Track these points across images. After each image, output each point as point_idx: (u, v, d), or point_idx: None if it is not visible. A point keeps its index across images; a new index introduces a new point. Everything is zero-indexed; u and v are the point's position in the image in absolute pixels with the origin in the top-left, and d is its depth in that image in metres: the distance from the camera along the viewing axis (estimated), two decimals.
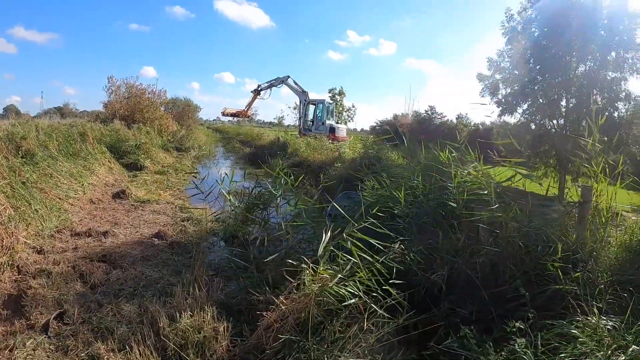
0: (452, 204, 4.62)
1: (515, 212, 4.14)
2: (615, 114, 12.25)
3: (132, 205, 9.35)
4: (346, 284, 3.57)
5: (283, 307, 3.52)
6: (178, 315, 3.78)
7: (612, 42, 11.69)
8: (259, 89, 26.37)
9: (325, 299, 3.49)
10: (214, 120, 76.61)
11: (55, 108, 25.84)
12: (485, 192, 4.40)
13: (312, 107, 25.28)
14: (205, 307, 3.93)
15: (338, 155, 15.25)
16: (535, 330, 3.02)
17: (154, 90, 23.18)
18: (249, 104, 27.50)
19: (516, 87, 13.59)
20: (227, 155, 26.59)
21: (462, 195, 4.48)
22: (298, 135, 23.64)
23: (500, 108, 14.11)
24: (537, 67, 12.87)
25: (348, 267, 3.68)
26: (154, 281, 5.10)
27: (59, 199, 8.20)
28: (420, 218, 4.83)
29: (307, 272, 3.59)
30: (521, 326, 3.02)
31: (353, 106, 42.20)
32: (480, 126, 45.62)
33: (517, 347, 2.85)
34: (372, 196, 5.85)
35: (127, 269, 5.37)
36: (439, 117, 47.06)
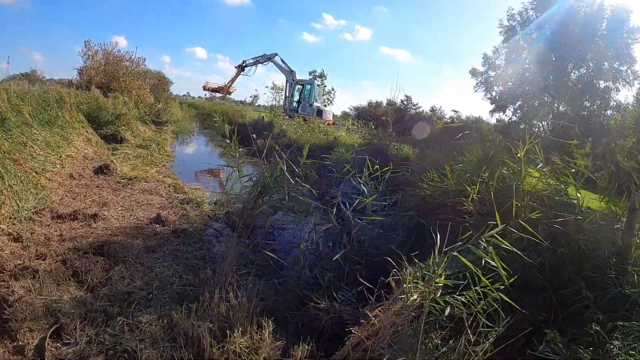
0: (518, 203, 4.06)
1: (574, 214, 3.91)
2: (604, 122, 12.41)
3: (118, 182, 8.19)
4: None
5: (376, 321, 2.77)
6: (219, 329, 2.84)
7: (608, 53, 11.83)
8: (244, 64, 24.90)
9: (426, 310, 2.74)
10: (184, 95, 74.35)
11: (22, 74, 23.52)
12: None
13: (298, 88, 24.05)
14: (256, 319, 3.02)
15: (334, 139, 14.29)
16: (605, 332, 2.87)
17: (133, 57, 21.39)
18: (232, 80, 26.00)
19: (510, 85, 13.67)
20: (205, 131, 25.16)
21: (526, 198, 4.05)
22: (283, 116, 22.45)
23: (494, 105, 14.24)
24: (531, 67, 12.98)
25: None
26: (168, 281, 4.14)
27: (35, 172, 6.96)
28: None
29: (410, 279, 2.76)
30: (597, 328, 2.89)
31: (333, 89, 41.08)
32: (455, 120, 46.02)
33: (614, 349, 2.73)
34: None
35: (131, 264, 4.36)
36: (414, 107, 47.19)
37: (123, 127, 13.21)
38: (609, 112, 12.71)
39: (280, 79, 60.88)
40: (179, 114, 26.52)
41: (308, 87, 23.52)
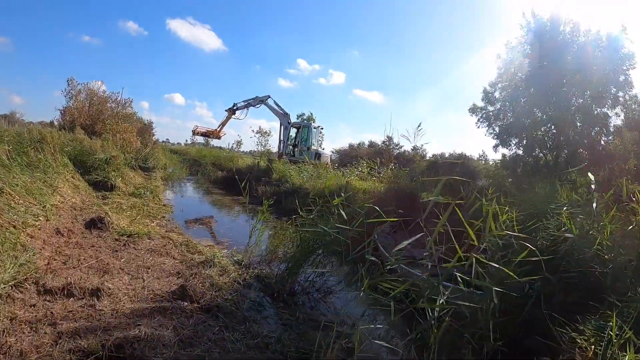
0: None
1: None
2: (606, 147, 12.24)
3: (116, 240, 6.61)
4: None
5: None
6: None
7: (605, 80, 11.63)
8: (235, 107, 23.81)
9: None
10: (163, 141, 73.34)
11: (1, 115, 21.92)
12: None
13: (293, 131, 22.99)
14: None
15: (346, 184, 13.00)
16: None
17: (119, 98, 20.01)
18: (223, 124, 24.76)
19: (511, 120, 13.21)
20: (195, 178, 23.60)
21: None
22: (283, 159, 21.20)
23: (497, 140, 13.76)
24: (524, 100, 12.67)
25: None
26: None
27: (14, 227, 5.41)
28: None
29: None
30: None
31: (322, 130, 40.28)
32: (440, 157, 45.94)
33: None
34: None
35: None
36: (396, 147, 47.06)
37: (113, 173, 11.66)
38: (610, 137, 12.25)
39: (267, 124, 60.54)
40: (165, 159, 25.02)
41: (305, 130, 22.43)
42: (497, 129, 13.91)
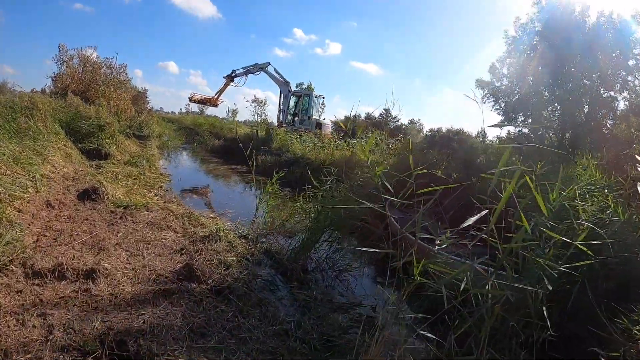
0: None
1: None
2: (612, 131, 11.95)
3: (112, 212, 6.11)
4: None
5: None
6: None
7: (614, 63, 11.17)
8: (233, 74, 22.88)
9: None
10: (157, 110, 72.18)
11: None
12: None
13: (294, 100, 22.20)
14: None
15: (351, 154, 12.47)
16: None
17: (113, 64, 19.07)
18: (220, 91, 23.86)
19: (517, 97, 12.80)
20: (191, 147, 22.95)
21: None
22: (284, 129, 20.55)
23: (503, 117, 13.38)
24: (536, 78, 12.21)
25: None
26: None
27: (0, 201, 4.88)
28: None
29: None
30: None
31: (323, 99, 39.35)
32: (437, 132, 45.42)
33: None
34: None
35: None
36: (393, 120, 46.35)
37: (108, 141, 11.04)
38: (616, 121, 11.91)
39: (262, 93, 59.30)
40: (159, 128, 24.28)
41: (306, 98, 21.57)
42: (503, 105, 13.59)
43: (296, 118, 21.87)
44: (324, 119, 23.08)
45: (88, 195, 6.54)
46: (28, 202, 5.56)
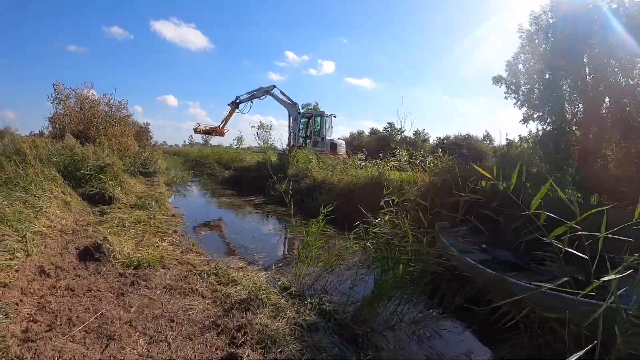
0: None
1: None
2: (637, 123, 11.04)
3: (120, 275, 5.01)
4: None
5: None
6: None
7: (629, 49, 10.32)
8: (238, 101, 22.06)
9: None
10: (161, 144, 72.53)
11: None
12: None
13: (303, 121, 21.26)
14: None
15: (378, 175, 11.36)
16: None
17: (111, 101, 18.26)
18: (226, 119, 22.99)
19: (537, 93, 12.00)
20: (200, 179, 21.97)
21: None
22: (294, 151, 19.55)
23: (524, 115, 12.62)
24: (549, 73, 11.43)
25: None
26: None
27: None
28: None
29: None
30: None
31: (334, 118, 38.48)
32: (444, 141, 44.52)
33: None
34: None
35: None
36: (398, 133, 45.64)
37: (111, 183, 10.00)
38: None
39: (263, 118, 58.77)
40: (165, 163, 23.43)
41: (317, 119, 20.58)
42: (525, 102, 12.78)
43: (308, 140, 20.89)
44: (338, 138, 22.10)
45: (90, 254, 5.46)
46: (16, 272, 4.48)
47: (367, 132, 50.44)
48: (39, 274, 4.75)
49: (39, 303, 4.07)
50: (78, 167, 9.71)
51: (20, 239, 5.28)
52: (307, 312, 4.35)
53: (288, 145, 22.13)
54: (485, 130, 53.52)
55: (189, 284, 4.85)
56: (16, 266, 4.61)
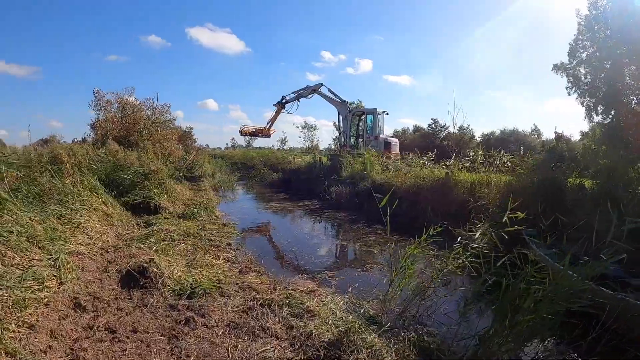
0: None
1: None
2: None
3: (171, 307, 4.09)
4: None
5: None
6: None
7: None
8: (284, 101, 21.21)
9: None
10: (203, 147, 73.76)
11: (41, 140, 20.73)
12: None
13: (355, 120, 20.10)
14: None
15: (446, 176, 10.05)
16: None
17: (154, 105, 17.81)
18: (272, 120, 22.22)
19: (598, 85, 10.64)
20: (246, 183, 21.26)
21: None
22: (346, 151, 18.43)
23: (586, 110, 11.22)
24: (610, 63, 9.98)
25: None
26: None
27: None
28: None
29: None
30: None
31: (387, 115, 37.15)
32: (491, 137, 42.20)
33: None
34: None
35: None
36: (442, 129, 43.92)
37: (156, 191, 9.26)
38: None
39: (301, 119, 58.15)
40: (211, 166, 22.97)
41: (370, 117, 19.32)
42: (587, 95, 11.47)
43: (360, 139, 19.69)
44: (391, 136, 20.77)
45: (135, 280, 4.56)
46: (46, 306, 3.65)
47: (410, 130, 48.98)
48: (74, 307, 3.91)
49: (71, 350, 3.18)
50: (119, 175, 9.01)
51: (53, 262, 4.48)
52: (407, 352, 3.29)
53: (339, 145, 21.05)
54: (533, 124, 50.68)
55: (257, 318, 3.85)
56: (46, 299, 3.80)
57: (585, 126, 12.52)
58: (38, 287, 3.91)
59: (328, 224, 10.70)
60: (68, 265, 4.61)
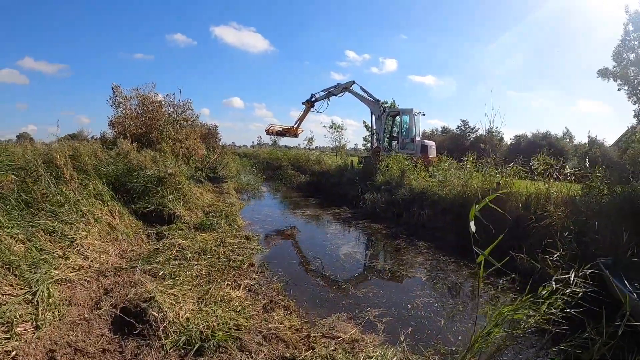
0: None
1: None
2: None
3: None
4: None
5: None
6: None
7: None
8: (313, 99, 20.21)
9: None
10: (229, 145, 74.34)
11: (69, 135, 20.44)
12: None
13: (389, 120, 18.98)
14: None
15: (496, 187, 8.74)
16: None
17: (175, 101, 17.04)
18: (300, 119, 21.23)
19: None
20: (272, 185, 20.38)
21: None
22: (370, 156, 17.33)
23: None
24: None
25: None
26: None
27: None
28: None
29: None
30: None
31: (423, 116, 35.79)
32: (522, 140, 40.27)
33: None
34: None
35: None
36: (472, 131, 42.39)
37: (171, 197, 8.40)
38: None
39: (327, 118, 57.01)
40: (234, 166, 22.17)
41: (405, 118, 18.07)
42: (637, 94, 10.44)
43: (394, 142, 18.52)
44: (429, 139, 19.55)
45: (129, 325, 3.65)
46: None
47: (439, 131, 47.57)
48: None
49: None
50: (130, 179, 8.17)
51: (31, 297, 3.62)
52: None
53: (372, 147, 19.94)
54: (565, 127, 48.49)
55: None
56: (14, 352, 2.94)
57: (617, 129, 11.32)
58: (5, 336, 3.07)
59: (364, 238, 9.62)
60: (50, 300, 3.76)
